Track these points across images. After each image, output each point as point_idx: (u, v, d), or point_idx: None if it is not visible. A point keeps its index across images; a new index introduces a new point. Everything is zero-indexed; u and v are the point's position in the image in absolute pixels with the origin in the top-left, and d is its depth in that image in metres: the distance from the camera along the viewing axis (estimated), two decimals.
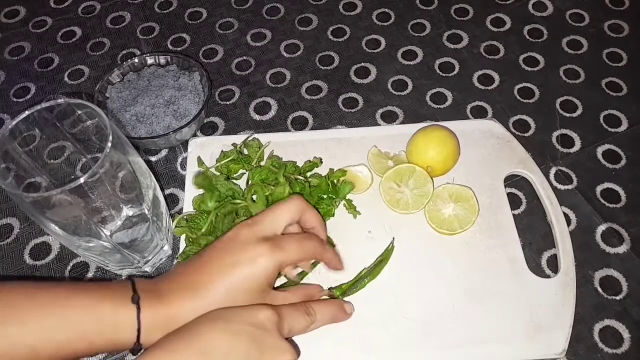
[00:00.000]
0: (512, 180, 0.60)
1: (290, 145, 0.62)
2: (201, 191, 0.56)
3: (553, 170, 0.61)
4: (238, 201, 0.53)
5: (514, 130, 0.64)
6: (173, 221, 0.54)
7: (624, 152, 0.62)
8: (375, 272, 0.52)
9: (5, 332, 0.37)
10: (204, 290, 0.41)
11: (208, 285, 0.41)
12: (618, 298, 0.52)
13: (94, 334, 0.38)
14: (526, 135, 0.64)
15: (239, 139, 0.61)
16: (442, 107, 0.67)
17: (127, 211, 0.49)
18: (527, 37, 0.73)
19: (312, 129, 0.65)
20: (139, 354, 0.37)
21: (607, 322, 0.51)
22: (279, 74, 0.71)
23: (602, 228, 0.56)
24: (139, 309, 0.39)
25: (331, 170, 0.58)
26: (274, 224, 0.45)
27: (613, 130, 0.64)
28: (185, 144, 0.63)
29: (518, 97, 0.67)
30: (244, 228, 0.44)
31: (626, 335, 0.50)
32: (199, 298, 0.41)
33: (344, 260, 0.52)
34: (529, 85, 0.68)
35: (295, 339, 0.46)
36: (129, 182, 0.45)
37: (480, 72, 0.70)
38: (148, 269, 0.54)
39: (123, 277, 0.54)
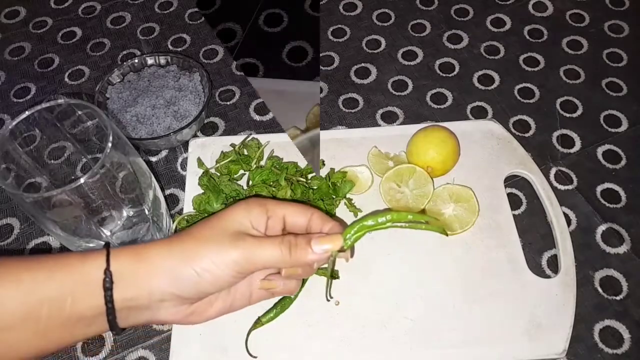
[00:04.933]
0: (512, 180, 0.60)
1: (291, 146, 0.62)
2: (201, 191, 0.56)
3: (553, 170, 0.61)
4: None
5: (514, 131, 0.64)
6: (173, 221, 0.54)
7: (624, 152, 0.62)
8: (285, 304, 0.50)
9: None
10: (177, 235, 0.40)
11: (183, 232, 0.40)
12: (618, 298, 0.52)
13: (80, 291, 0.36)
14: (526, 135, 0.64)
15: (239, 139, 0.61)
16: (442, 107, 0.67)
17: (127, 211, 0.49)
18: (527, 37, 0.73)
19: None
20: None
21: (607, 322, 0.51)
22: None
23: (602, 228, 0.56)
24: (108, 250, 0.38)
25: (332, 170, 0.58)
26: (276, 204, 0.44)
27: (613, 130, 0.64)
28: (185, 144, 0.63)
29: (518, 97, 0.67)
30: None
31: (626, 335, 0.50)
32: (173, 240, 0.39)
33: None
34: (529, 85, 0.68)
35: (296, 336, 0.45)
36: (129, 182, 0.45)
37: (480, 72, 0.70)
38: None
39: None
